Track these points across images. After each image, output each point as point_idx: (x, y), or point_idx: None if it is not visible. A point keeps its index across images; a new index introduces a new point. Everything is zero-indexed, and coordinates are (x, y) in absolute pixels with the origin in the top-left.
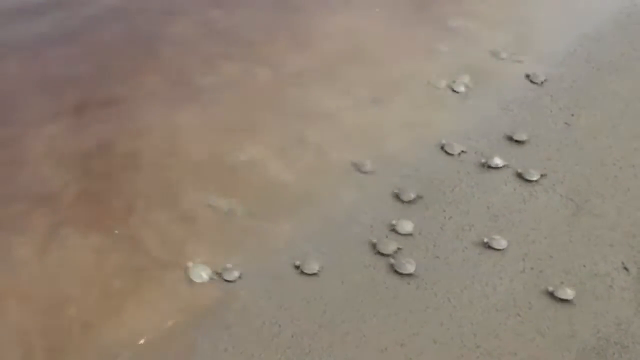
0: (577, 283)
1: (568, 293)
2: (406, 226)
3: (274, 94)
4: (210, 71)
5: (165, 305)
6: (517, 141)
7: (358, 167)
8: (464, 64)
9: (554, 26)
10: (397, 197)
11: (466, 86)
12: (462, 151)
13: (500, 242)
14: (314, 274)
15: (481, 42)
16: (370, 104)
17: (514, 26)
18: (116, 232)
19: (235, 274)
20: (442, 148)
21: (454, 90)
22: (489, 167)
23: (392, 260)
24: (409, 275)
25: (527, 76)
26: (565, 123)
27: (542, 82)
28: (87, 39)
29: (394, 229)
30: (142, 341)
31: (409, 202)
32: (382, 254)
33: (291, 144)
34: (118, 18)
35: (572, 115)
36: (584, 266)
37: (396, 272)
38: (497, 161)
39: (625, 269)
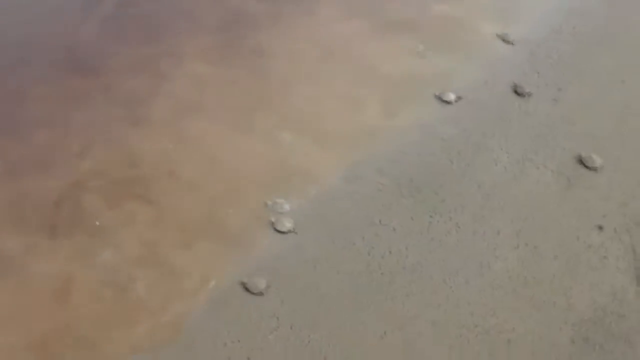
0: (572, 255)
1: None
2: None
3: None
4: None
5: None
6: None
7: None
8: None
9: (539, 1)
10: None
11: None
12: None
13: None
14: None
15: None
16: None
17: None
18: (97, 223)
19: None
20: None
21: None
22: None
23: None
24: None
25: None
26: (554, 99)
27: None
28: None
29: None
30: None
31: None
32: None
33: None
34: None
35: (560, 89)
36: (578, 238)
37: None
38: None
39: (600, 227)
